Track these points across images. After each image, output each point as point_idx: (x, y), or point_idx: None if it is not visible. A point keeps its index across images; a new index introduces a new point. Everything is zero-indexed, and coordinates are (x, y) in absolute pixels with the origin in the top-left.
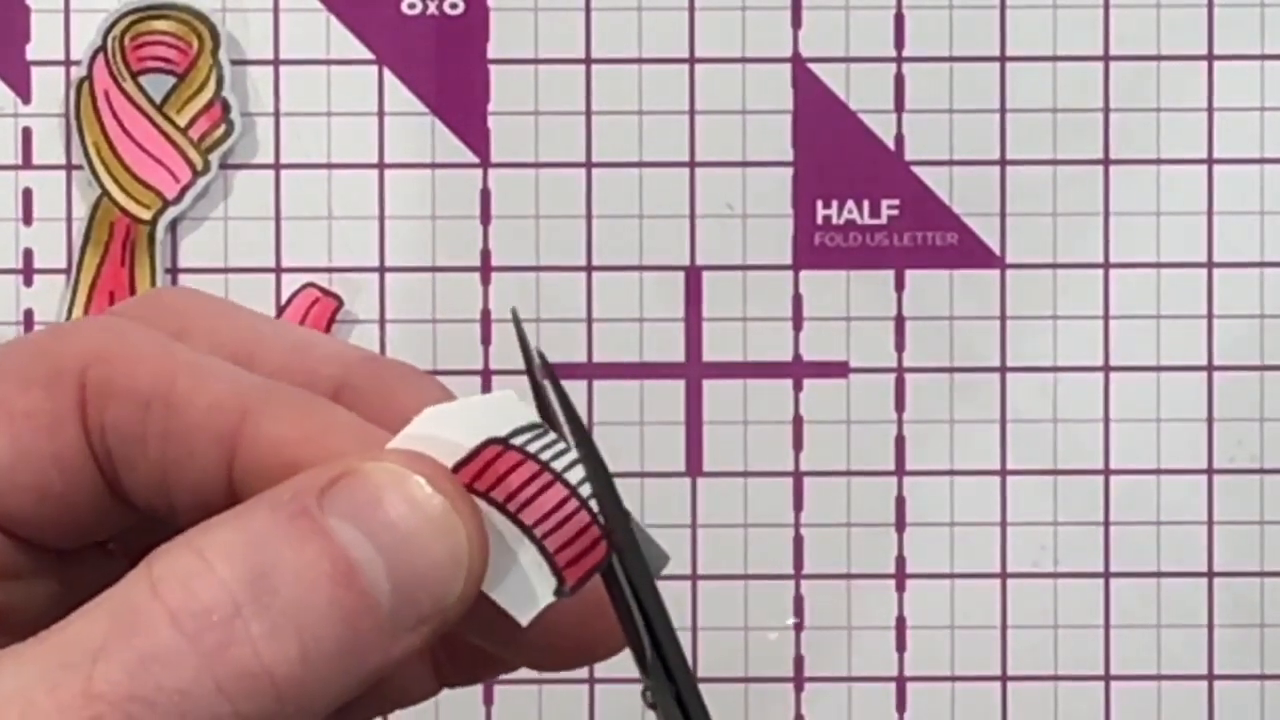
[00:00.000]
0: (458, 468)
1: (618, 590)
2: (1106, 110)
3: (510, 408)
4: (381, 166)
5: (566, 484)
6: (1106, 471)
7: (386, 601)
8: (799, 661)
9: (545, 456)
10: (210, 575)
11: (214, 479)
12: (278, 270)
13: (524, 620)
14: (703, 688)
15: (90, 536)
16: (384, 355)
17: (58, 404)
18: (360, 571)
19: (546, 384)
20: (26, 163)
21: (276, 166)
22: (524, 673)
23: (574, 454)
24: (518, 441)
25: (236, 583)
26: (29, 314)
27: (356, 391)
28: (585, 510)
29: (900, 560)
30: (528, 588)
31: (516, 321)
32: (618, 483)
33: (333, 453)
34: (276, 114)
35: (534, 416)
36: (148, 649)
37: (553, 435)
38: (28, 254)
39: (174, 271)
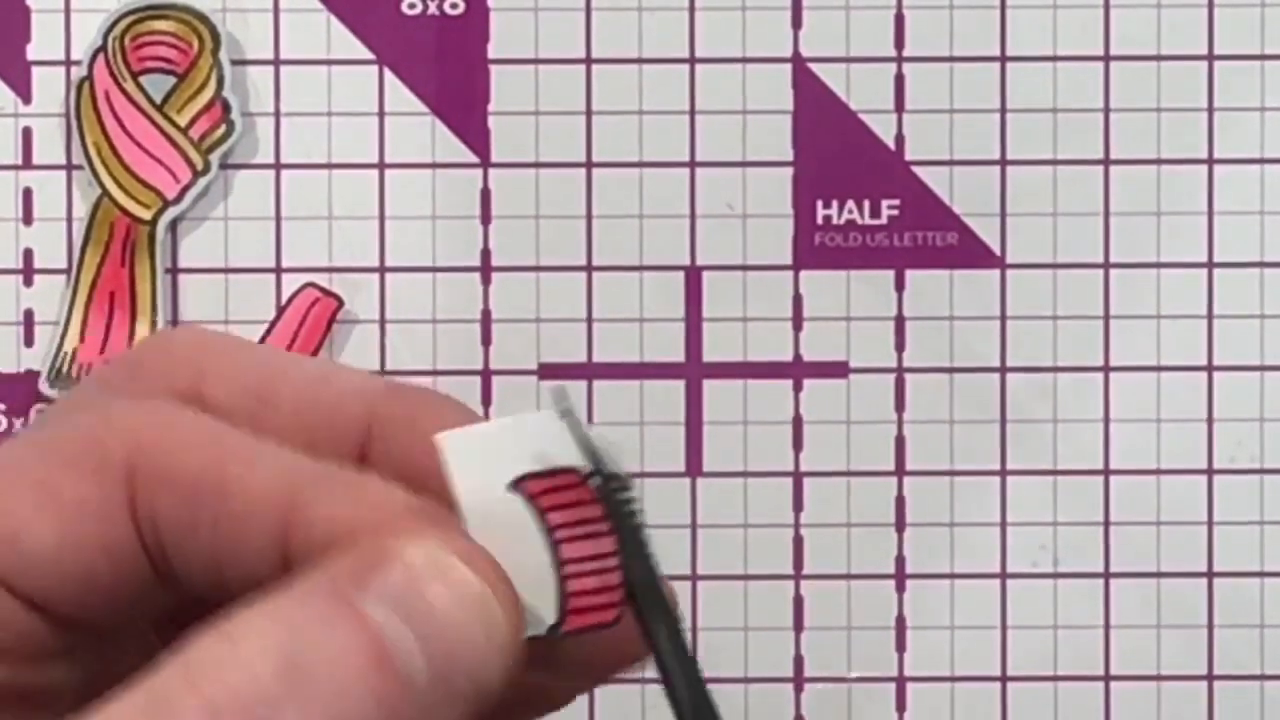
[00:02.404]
0: (531, 477)
1: (658, 660)
2: (1106, 110)
3: (553, 434)
4: (381, 166)
5: (618, 544)
6: (1106, 471)
7: (423, 684)
8: (799, 661)
9: (614, 508)
10: (243, 663)
11: (268, 561)
12: (278, 270)
13: None
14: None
15: (133, 618)
16: (405, 383)
17: (107, 493)
18: (395, 656)
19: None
20: (26, 163)
21: (276, 166)
22: None
23: (639, 520)
24: (595, 482)
25: (270, 672)
26: (29, 314)
27: (384, 424)
28: (620, 575)
29: (900, 560)
30: (526, 611)
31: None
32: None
33: (382, 531)
34: (276, 114)
35: (574, 452)
36: None
37: (633, 493)
38: (28, 254)
39: (174, 271)
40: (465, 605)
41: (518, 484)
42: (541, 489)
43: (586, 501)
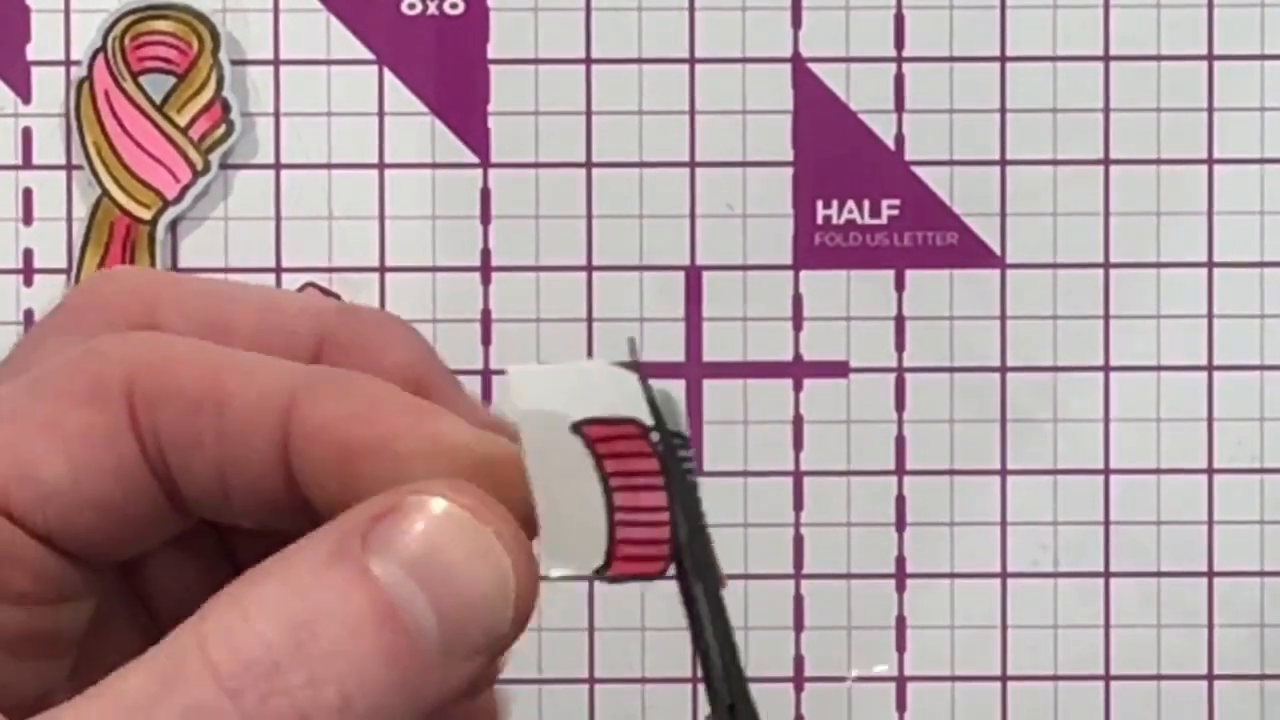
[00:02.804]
0: (594, 423)
1: (695, 621)
2: (1106, 110)
3: (620, 384)
4: (381, 166)
5: (671, 500)
6: (1106, 471)
7: (434, 637)
8: (799, 661)
9: (671, 466)
10: (250, 630)
11: (271, 471)
12: (278, 270)
13: (547, 572)
14: (703, 687)
15: (146, 546)
16: (355, 304)
17: (110, 418)
18: (404, 614)
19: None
20: (26, 163)
21: (276, 166)
22: (524, 672)
23: (693, 480)
24: (655, 438)
25: (276, 636)
26: (29, 314)
27: (336, 346)
28: (670, 531)
29: (900, 560)
30: (572, 550)
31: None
32: None
33: (382, 427)
34: (276, 114)
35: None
36: (193, 706)
37: (690, 453)
38: (28, 254)
39: (174, 271)
40: (475, 558)
41: (580, 427)
42: (603, 435)
43: (645, 454)
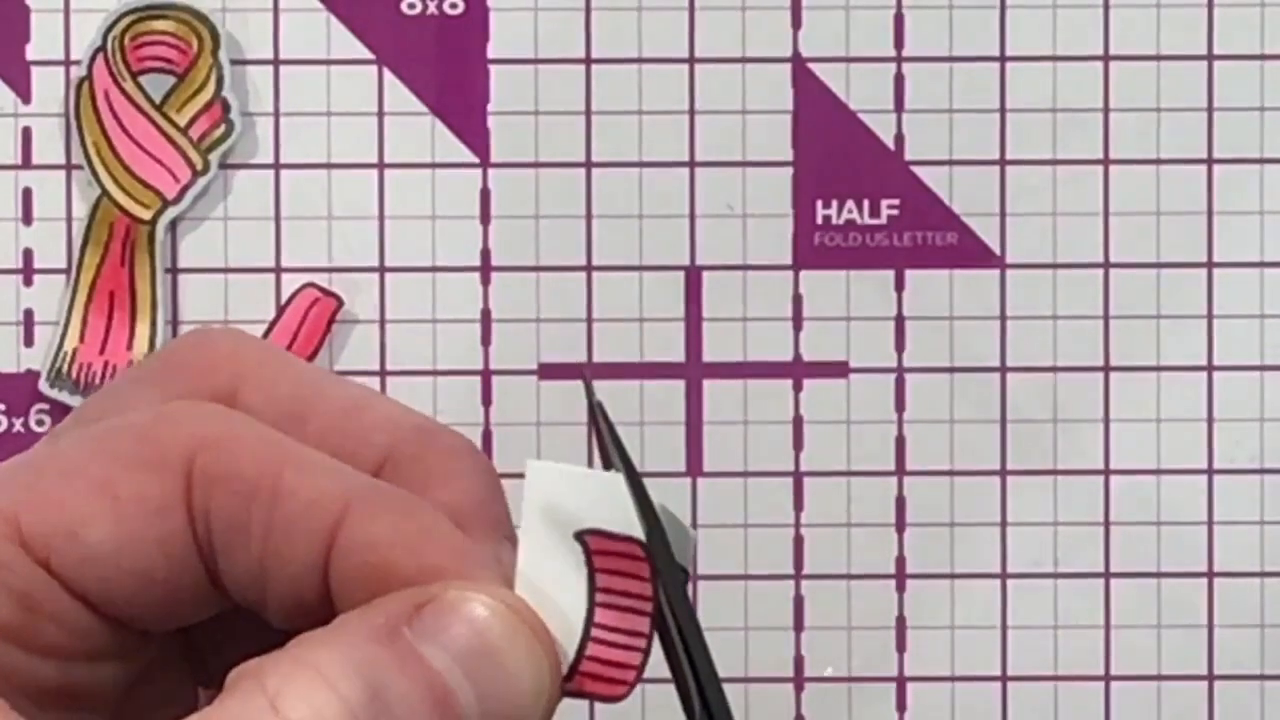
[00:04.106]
0: (599, 534)
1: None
2: (1106, 110)
3: (622, 504)
4: (381, 166)
5: (652, 627)
6: (1106, 471)
7: None
8: (799, 661)
9: (660, 594)
10: (332, 693)
11: (310, 574)
12: (278, 270)
13: None
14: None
15: (183, 621)
16: (436, 423)
17: (165, 489)
18: (455, 697)
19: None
20: (26, 163)
21: (276, 166)
22: None
23: (690, 612)
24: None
25: (357, 702)
26: (29, 314)
27: (399, 465)
28: (640, 658)
29: (900, 560)
30: None
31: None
32: None
33: (426, 561)
34: (276, 114)
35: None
36: None
37: (683, 580)
38: (28, 254)
39: (174, 271)
40: (520, 657)
41: (583, 535)
42: (604, 548)
43: (640, 577)
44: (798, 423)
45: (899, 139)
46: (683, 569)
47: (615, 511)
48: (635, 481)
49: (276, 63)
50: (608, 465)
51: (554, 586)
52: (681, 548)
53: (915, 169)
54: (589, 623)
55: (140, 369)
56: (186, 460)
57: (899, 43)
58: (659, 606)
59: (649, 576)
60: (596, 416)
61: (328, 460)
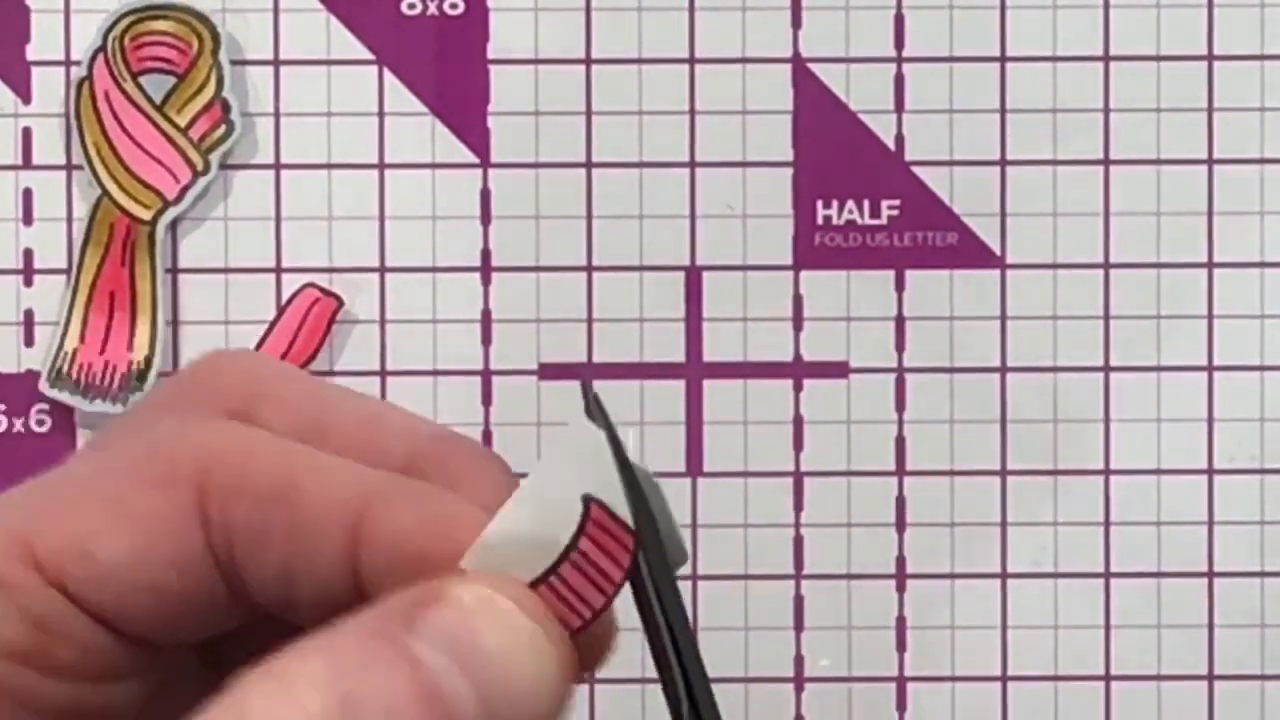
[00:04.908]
0: (601, 505)
1: (658, 647)
2: (1106, 110)
3: (650, 492)
4: (381, 166)
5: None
6: (1106, 471)
7: None
8: (799, 661)
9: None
10: (295, 703)
11: (339, 573)
12: (278, 270)
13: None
14: None
15: (203, 635)
16: (453, 431)
17: (177, 505)
18: (446, 699)
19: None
20: (26, 163)
21: (276, 166)
22: None
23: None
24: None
25: (321, 712)
26: (29, 314)
27: (422, 473)
28: (578, 622)
29: (900, 560)
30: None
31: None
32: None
33: (453, 543)
34: (276, 114)
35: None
36: None
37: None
38: (28, 254)
39: (174, 271)
40: (517, 648)
41: (590, 500)
42: (601, 522)
43: (620, 564)
44: (798, 423)
45: (899, 139)
46: (671, 575)
47: (626, 494)
48: (635, 491)
49: (276, 63)
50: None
51: (539, 520)
52: (675, 547)
53: (915, 169)
54: (560, 563)
55: (157, 392)
56: (199, 474)
57: (899, 43)
58: (645, 606)
59: (625, 566)
60: (595, 418)
61: (341, 461)
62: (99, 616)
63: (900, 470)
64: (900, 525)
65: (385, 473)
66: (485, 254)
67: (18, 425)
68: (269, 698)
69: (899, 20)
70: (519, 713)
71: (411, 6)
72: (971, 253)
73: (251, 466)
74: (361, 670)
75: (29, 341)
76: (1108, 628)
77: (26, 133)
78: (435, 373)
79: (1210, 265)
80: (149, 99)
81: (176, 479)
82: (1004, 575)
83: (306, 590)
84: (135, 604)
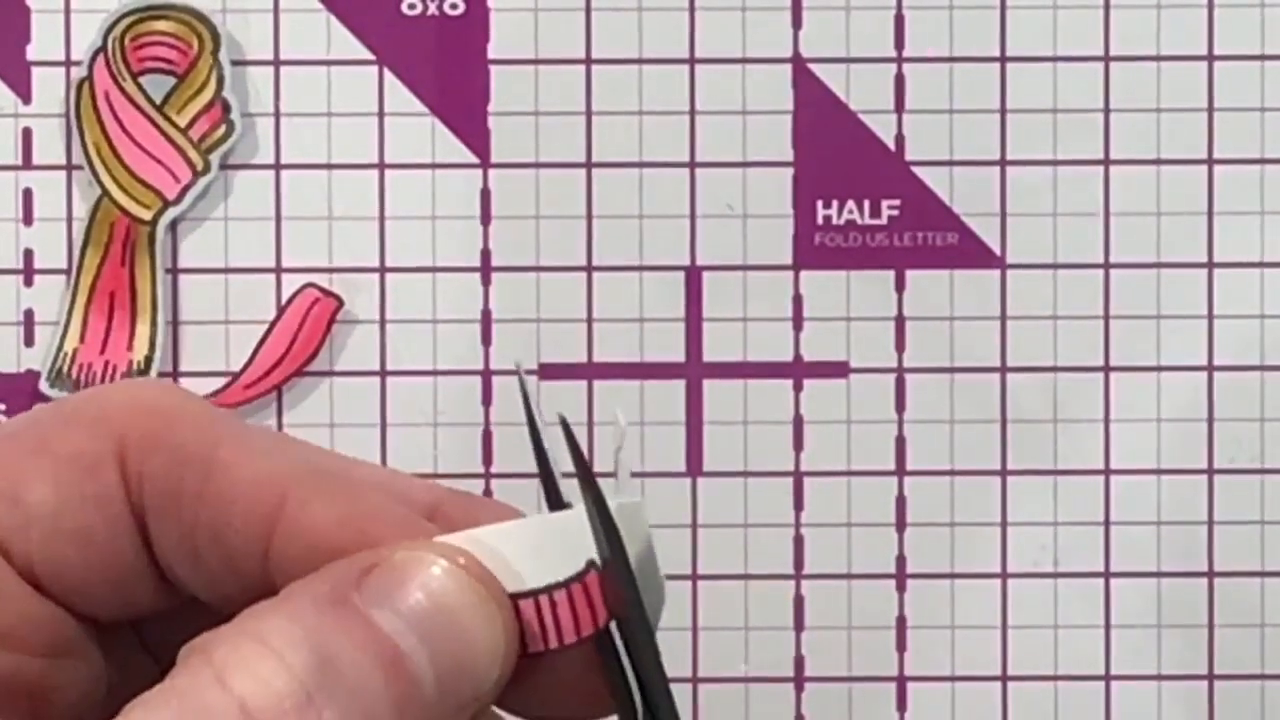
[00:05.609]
0: (602, 570)
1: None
2: (1106, 110)
3: (574, 536)
4: (381, 166)
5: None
6: (1106, 471)
7: (431, 690)
8: (799, 661)
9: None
10: (279, 663)
11: (249, 555)
12: (278, 270)
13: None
14: (702, 687)
15: (130, 608)
16: (470, 493)
17: (98, 445)
18: (408, 660)
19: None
20: (26, 163)
21: (276, 166)
22: None
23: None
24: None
25: (305, 670)
26: (29, 314)
27: (447, 518)
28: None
29: (900, 560)
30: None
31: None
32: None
33: (371, 540)
34: (276, 114)
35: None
36: None
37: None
38: (28, 254)
39: (174, 271)
40: (469, 616)
41: (594, 564)
42: (591, 586)
43: (582, 632)
44: (798, 423)
45: (899, 139)
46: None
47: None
48: (599, 501)
49: (277, 63)
50: (549, 482)
51: (511, 553)
52: (653, 603)
53: (915, 169)
54: (538, 592)
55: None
56: (124, 424)
57: (899, 43)
58: (614, 652)
59: (585, 637)
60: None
61: (269, 443)
62: (28, 574)
63: (900, 470)
64: (900, 525)
65: (310, 463)
66: (485, 254)
67: None
68: (249, 656)
69: (899, 20)
70: (469, 672)
71: (411, 6)
72: (971, 253)
73: (177, 424)
74: (329, 631)
75: (29, 341)
76: (1108, 628)
77: (26, 133)
78: (435, 373)
79: (1210, 265)
80: (149, 99)
81: (100, 422)
82: (1004, 575)
83: (211, 565)
84: (62, 553)
